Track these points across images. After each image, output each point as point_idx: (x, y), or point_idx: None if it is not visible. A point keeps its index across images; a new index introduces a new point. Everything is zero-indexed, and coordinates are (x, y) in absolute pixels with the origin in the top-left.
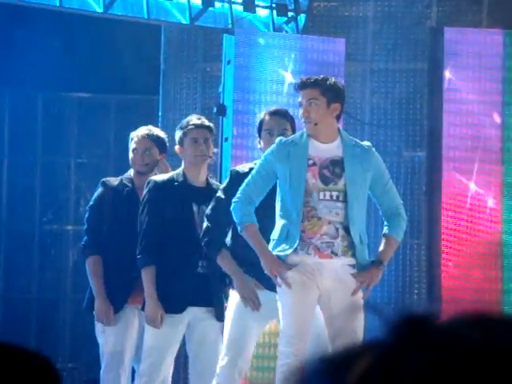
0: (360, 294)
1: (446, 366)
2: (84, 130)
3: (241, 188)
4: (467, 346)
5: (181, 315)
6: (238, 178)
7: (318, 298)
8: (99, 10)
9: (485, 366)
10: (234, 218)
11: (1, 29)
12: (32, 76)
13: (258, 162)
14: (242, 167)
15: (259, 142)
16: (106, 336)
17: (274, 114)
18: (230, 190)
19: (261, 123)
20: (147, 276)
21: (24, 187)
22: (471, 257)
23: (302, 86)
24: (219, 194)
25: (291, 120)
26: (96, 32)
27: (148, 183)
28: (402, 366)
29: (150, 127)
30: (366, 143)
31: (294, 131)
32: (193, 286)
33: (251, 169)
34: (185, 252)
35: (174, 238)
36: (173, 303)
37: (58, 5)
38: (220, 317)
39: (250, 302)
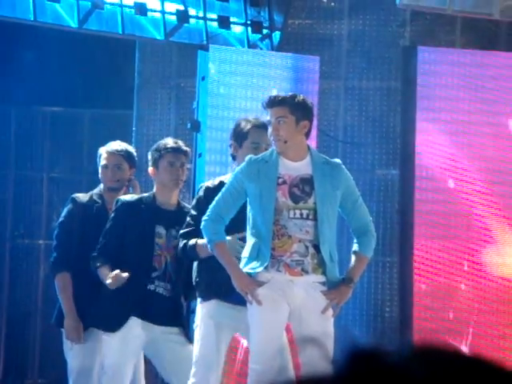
0: (330, 312)
1: None
2: (57, 145)
3: (211, 206)
4: (412, 380)
5: (138, 332)
6: (208, 193)
7: (289, 315)
8: (74, 25)
9: None
10: (204, 236)
11: None
12: (4, 90)
13: (228, 179)
14: (212, 182)
15: (234, 149)
16: (74, 353)
17: (260, 126)
18: (201, 205)
19: (245, 134)
20: (103, 270)
21: None
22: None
23: (270, 104)
24: (192, 211)
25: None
26: (70, 46)
27: (117, 202)
28: None
29: (119, 142)
30: (336, 160)
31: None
32: (143, 302)
33: (221, 182)
34: (136, 270)
35: (131, 257)
36: (112, 319)
37: (32, 19)
38: (187, 335)
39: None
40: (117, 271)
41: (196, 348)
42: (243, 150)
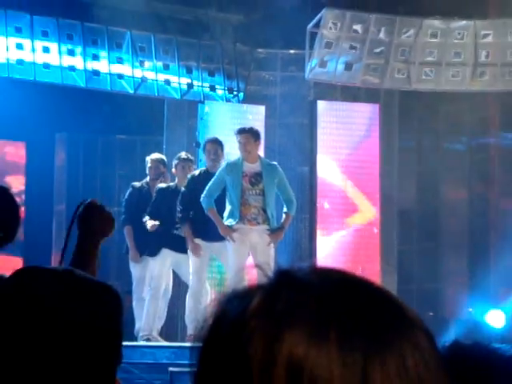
0: (272, 245)
1: (299, 297)
2: (122, 157)
3: (206, 188)
4: (311, 285)
5: (168, 257)
6: (191, 180)
7: (250, 248)
8: (131, 91)
9: (318, 297)
10: (203, 205)
11: (84, 104)
12: (95, 127)
13: (216, 174)
14: (193, 173)
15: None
16: (135, 269)
17: (209, 141)
18: (188, 187)
19: (204, 146)
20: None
21: (89, 188)
22: (334, 226)
23: (240, 132)
24: (183, 190)
25: (221, 145)
26: (129, 102)
27: (156, 188)
28: (278, 299)
29: (157, 154)
30: (274, 162)
31: (222, 151)
32: (171, 240)
33: (200, 171)
34: (166, 222)
35: (165, 216)
36: (154, 250)
37: (109, 89)
38: None
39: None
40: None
41: (191, 265)
42: (205, 155)
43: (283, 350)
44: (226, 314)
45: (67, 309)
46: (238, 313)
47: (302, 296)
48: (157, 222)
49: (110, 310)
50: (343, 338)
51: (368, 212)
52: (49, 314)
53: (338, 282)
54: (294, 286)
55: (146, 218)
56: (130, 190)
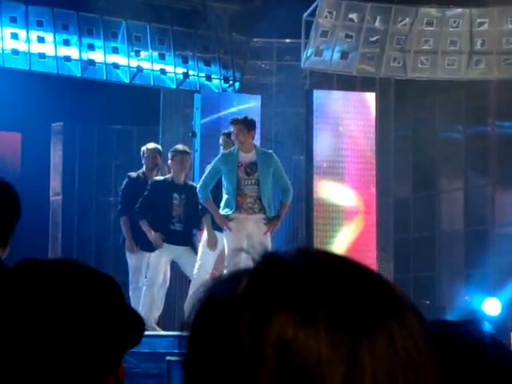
0: (268, 234)
1: (286, 279)
2: (119, 147)
3: (201, 179)
4: (298, 267)
5: (166, 251)
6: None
7: (246, 237)
8: (127, 80)
9: (304, 279)
10: (199, 195)
11: (80, 94)
12: (91, 117)
13: (211, 165)
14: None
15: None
16: (131, 259)
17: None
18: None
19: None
20: (145, 225)
21: (85, 178)
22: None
23: (234, 122)
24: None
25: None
26: (125, 92)
27: (151, 181)
28: (265, 282)
29: (153, 143)
30: (270, 151)
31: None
32: (169, 235)
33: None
34: (163, 217)
35: (159, 211)
36: (152, 246)
37: (105, 78)
38: (194, 250)
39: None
40: (157, 235)
41: (198, 254)
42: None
43: (272, 334)
44: (214, 299)
45: (69, 300)
46: (225, 297)
47: (289, 278)
48: (161, 239)
49: (114, 297)
50: (331, 319)
51: (364, 219)
52: (50, 306)
53: (325, 263)
54: (280, 269)
55: (146, 225)
56: (127, 180)
